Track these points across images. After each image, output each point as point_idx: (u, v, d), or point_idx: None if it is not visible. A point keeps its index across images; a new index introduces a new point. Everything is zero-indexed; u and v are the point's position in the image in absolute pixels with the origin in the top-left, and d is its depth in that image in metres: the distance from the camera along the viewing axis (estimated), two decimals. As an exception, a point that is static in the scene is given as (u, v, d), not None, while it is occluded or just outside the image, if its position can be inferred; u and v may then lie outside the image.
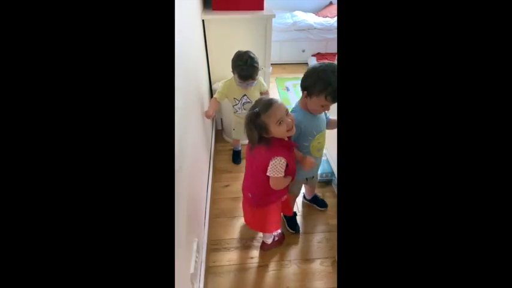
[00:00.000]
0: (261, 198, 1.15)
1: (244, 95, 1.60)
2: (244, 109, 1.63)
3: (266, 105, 0.96)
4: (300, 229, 1.50)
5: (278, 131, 0.96)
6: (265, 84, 1.68)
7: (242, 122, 1.64)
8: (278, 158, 0.99)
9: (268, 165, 1.00)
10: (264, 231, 1.33)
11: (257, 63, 1.47)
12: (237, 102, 1.63)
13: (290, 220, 1.50)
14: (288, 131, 0.97)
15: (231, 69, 1.52)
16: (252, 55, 1.46)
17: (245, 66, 1.44)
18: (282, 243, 1.43)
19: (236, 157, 1.95)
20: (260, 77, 1.62)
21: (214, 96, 1.62)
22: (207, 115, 1.52)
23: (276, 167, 0.99)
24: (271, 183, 1.04)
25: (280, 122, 0.95)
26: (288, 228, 1.49)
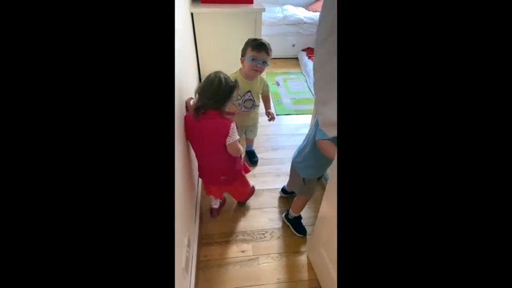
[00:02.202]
0: (234, 173, 1.27)
1: (249, 91, 1.51)
2: (245, 107, 1.55)
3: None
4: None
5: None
6: (269, 85, 1.62)
7: (240, 121, 1.63)
8: (233, 122, 1.11)
9: (227, 133, 1.10)
10: (248, 196, 1.59)
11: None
12: (239, 98, 1.52)
13: (296, 224, 1.47)
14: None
15: (240, 58, 1.46)
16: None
17: (260, 40, 1.39)
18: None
19: (252, 157, 1.91)
20: (265, 78, 1.57)
21: None
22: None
23: (235, 131, 1.11)
24: (234, 149, 1.14)
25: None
26: (294, 232, 1.46)
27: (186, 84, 1.39)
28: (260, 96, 1.60)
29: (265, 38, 1.48)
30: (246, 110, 1.58)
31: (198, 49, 1.90)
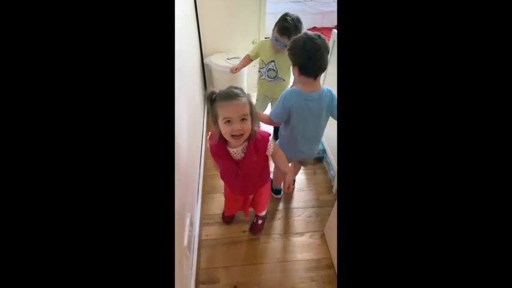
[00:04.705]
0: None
1: (273, 60, 1.52)
2: (268, 76, 1.58)
3: (226, 95, 0.85)
4: (291, 205, 1.55)
5: (223, 128, 0.86)
6: None
7: (266, 91, 1.63)
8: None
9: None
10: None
11: (300, 28, 1.40)
12: (264, 65, 1.56)
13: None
14: (232, 135, 0.86)
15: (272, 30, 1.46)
16: (299, 19, 1.41)
17: (290, 20, 1.39)
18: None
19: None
20: None
21: (247, 53, 1.65)
22: (232, 70, 1.62)
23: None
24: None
25: (227, 121, 0.84)
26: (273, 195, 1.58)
27: (186, 63, 1.36)
28: (288, 69, 1.55)
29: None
30: (269, 80, 1.59)
31: (200, 27, 1.84)
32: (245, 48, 1.93)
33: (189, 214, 1.12)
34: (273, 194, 1.57)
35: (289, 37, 1.38)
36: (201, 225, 1.40)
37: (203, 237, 1.37)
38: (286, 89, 1.14)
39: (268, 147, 0.97)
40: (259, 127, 0.94)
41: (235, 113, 0.83)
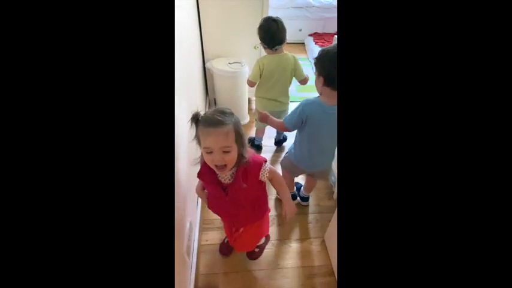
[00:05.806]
0: None
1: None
2: None
3: (209, 121, 0.76)
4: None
5: (205, 157, 0.80)
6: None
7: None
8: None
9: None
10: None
11: (260, 23, 1.44)
12: None
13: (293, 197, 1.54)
14: (216, 165, 0.79)
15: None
16: (270, 22, 1.42)
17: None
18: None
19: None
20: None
21: None
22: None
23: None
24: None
25: (208, 152, 0.77)
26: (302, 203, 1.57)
27: (187, 68, 1.36)
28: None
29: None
30: None
31: (202, 32, 1.86)
32: (247, 53, 1.94)
33: (189, 219, 1.11)
34: (300, 201, 1.57)
35: (259, 35, 1.45)
36: (201, 230, 1.39)
37: (202, 243, 1.36)
38: (307, 98, 1.08)
39: (261, 172, 0.88)
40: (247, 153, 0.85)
41: (215, 144, 0.75)
